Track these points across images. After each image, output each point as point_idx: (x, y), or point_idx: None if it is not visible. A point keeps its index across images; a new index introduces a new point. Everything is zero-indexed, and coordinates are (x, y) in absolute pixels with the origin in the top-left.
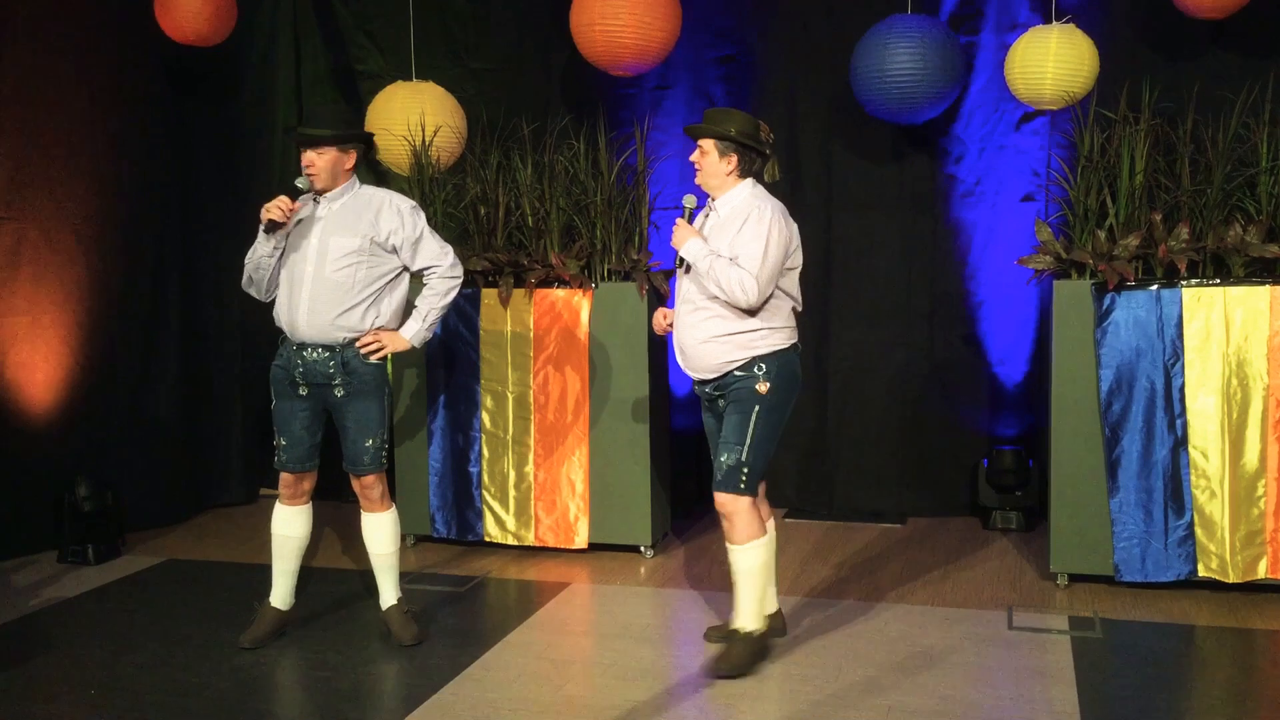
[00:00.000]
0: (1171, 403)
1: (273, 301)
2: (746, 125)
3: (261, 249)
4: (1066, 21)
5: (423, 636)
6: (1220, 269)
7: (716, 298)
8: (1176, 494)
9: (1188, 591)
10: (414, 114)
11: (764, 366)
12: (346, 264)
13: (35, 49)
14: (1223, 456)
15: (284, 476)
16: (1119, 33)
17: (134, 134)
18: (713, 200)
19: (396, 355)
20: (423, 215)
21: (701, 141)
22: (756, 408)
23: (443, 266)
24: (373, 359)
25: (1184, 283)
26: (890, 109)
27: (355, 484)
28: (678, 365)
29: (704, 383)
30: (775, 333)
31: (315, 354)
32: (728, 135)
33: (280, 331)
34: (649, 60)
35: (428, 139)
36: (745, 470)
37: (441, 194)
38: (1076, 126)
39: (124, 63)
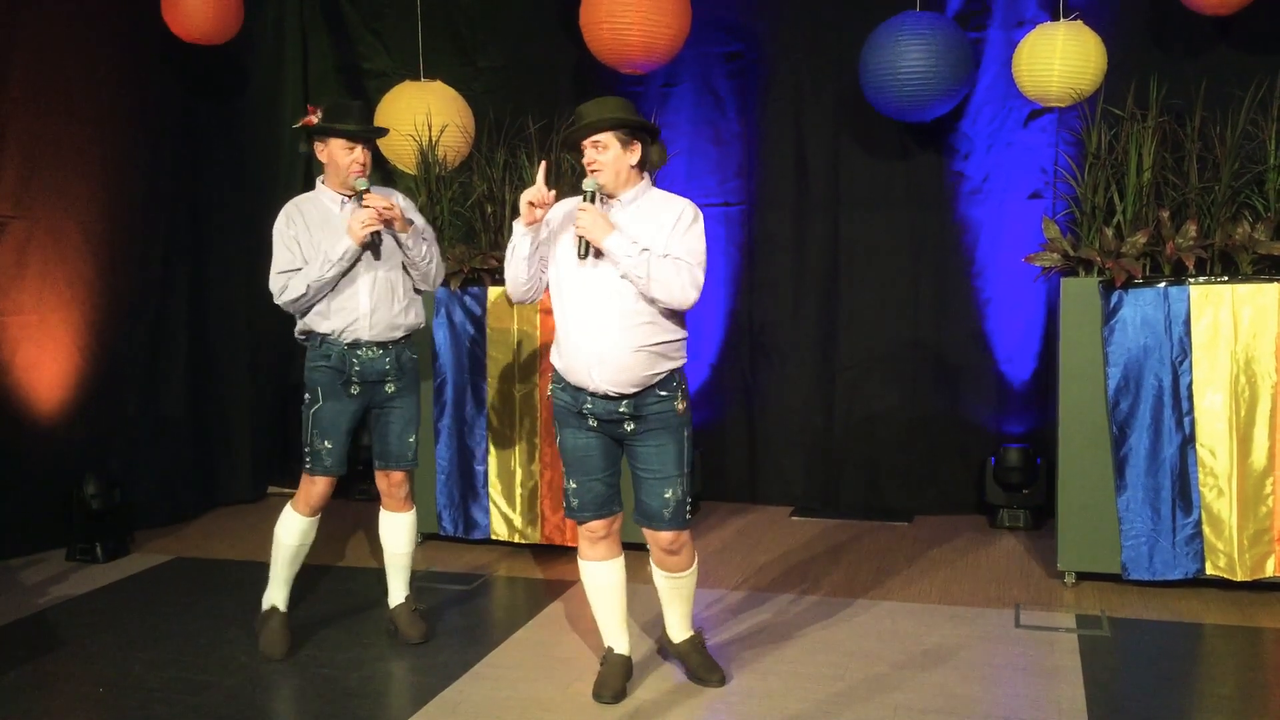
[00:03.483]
0: (1179, 400)
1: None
2: (635, 111)
3: (336, 269)
4: (1074, 18)
5: (430, 635)
6: (1228, 266)
7: (651, 301)
8: (1184, 492)
9: (1195, 590)
10: (421, 113)
11: (678, 382)
12: (396, 263)
13: (44, 49)
14: (1231, 454)
15: (319, 484)
16: (1126, 29)
17: (142, 133)
18: (611, 199)
19: None
20: None
21: (599, 136)
22: (685, 431)
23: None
24: (376, 217)
25: (1192, 280)
26: (901, 106)
27: (385, 480)
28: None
29: (616, 399)
30: (684, 344)
31: (371, 352)
32: (630, 122)
33: (308, 334)
34: (657, 58)
35: (435, 138)
36: (689, 501)
37: (448, 192)
38: (1084, 124)
39: (132, 61)
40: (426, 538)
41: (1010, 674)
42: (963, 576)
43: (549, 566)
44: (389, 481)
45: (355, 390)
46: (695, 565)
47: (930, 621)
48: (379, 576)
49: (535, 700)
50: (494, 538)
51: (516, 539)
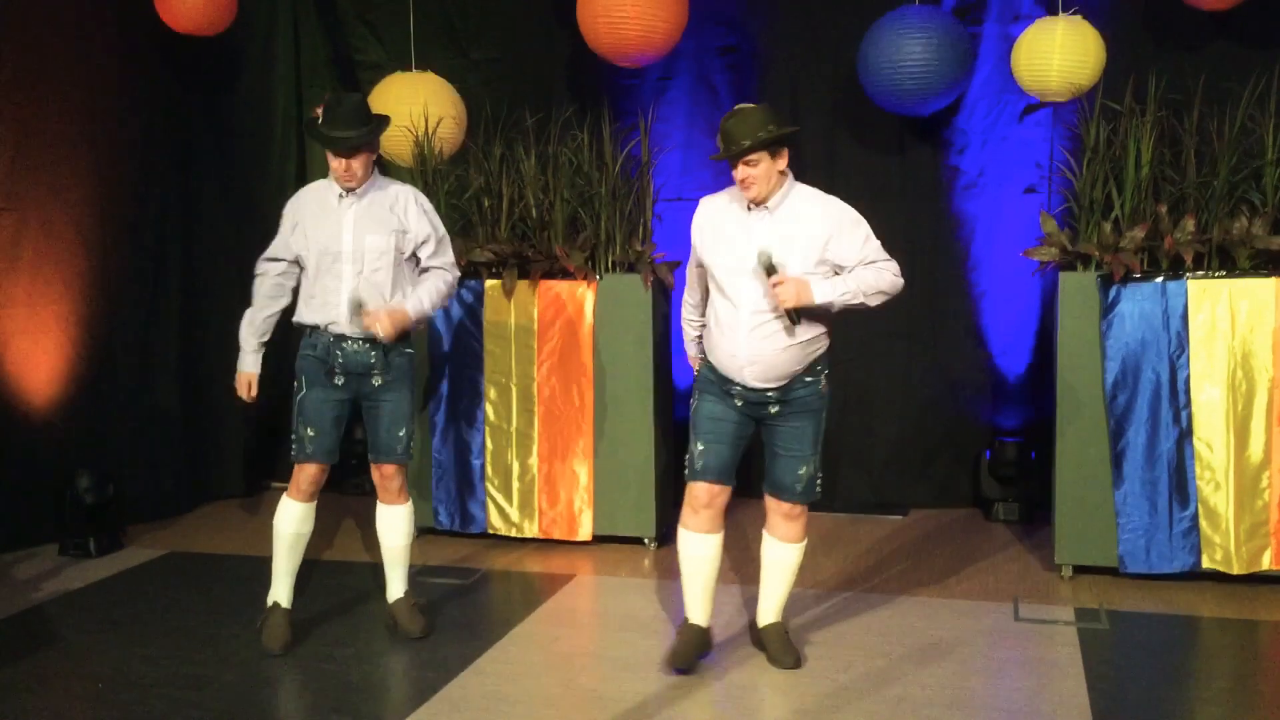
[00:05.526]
0: (1176, 394)
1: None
2: (776, 115)
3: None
4: (1073, 13)
5: (430, 629)
6: (1225, 261)
7: (776, 310)
8: (1181, 486)
9: (1192, 583)
10: (413, 104)
11: (822, 366)
12: (383, 263)
13: (35, 39)
14: (1227, 448)
15: (306, 469)
16: (1124, 24)
17: (134, 124)
18: (759, 204)
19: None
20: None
21: (751, 155)
22: (823, 412)
23: (451, 276)
24: (382, 335)
25: (1189, 275)
26: (901, 100)
27: (376, 473)
28: (683, 358)
29: (765, 389)
30: (827, 330)
31: (356, 345)
32: (777, 137)
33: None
34: (654, 52)
35: (431, 129)
36: (819, 477)
37: (445, 185)
38: (1082, 118)
39: (124, 52)
40: (423, 532)
41: (1012, 667)
42: (960, 570)
43: (547, 560)
44: (380, 474)
45: (340, 381)
46: (805, 542)
47: (930, 615)
48: (376, 571)
49: (539, 695)
50: (491, 531)
51: (513, 533)
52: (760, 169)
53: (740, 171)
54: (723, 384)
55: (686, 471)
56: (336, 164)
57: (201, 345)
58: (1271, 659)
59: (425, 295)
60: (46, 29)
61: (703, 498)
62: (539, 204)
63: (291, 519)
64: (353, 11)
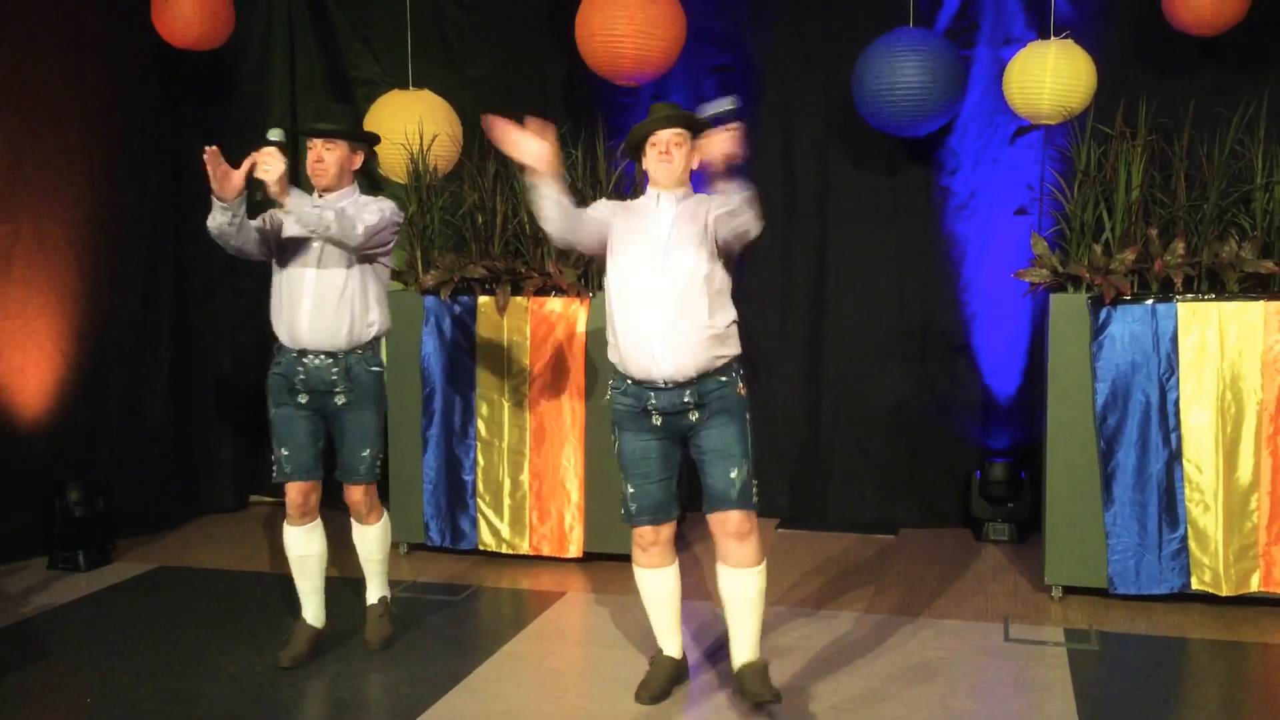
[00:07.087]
0: (1166, 416)
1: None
2: None
3: (220, 213)
4: (1065, 37)
5: (389, 643)
6: (1215, 284)
7: (689, 289)
8: (1170, 507)
9: (1181, 604)
10: (408, 121)
11: (738, 367)
12: (343, 270)
13: (29, 51)
14: (1216, 470)
15: (290, 491)
16: (1114, 49)
17: (128, 138)
18: (663, 194)
19: (391, 362)
20: (399, 216)
21: (680, 130)
22: (746, 414)
23: (349, 221)
24: (259, 171)
25: (1179, 297)
26: (896, 122)
27: (345, 494)
28: None
29: (681, 387)
30: (737, 327)
31: (317, 360)
32: (700, 123)
33: (274, 339)
34: (650, 70)
35: (426, 146)
36: (755, 483)
37: (439, 201)
38: (1073, 141)
39: (119, 66)
40: (413, 547)
41: (1002, 687)
42: (950, 590)
43: (537, 577)
44: (347, 495)
45: (303, 399)
46: (764, 565)
47: (920, 635)
48: (363, 587)
49: (529, 713)
50: (481, 548)
51: (504, 549)
52: (681, 152)
53: (662, 145)
54: (640, 403)
55: (623, 514)
56: (311, 155)
57: (192, 359)
58: (1259, 681)
59: (309, 202)
60: (42, 41)
61: (648, 537)
62: (533, 221)
63: (290, 542)
64: (349, 27)
